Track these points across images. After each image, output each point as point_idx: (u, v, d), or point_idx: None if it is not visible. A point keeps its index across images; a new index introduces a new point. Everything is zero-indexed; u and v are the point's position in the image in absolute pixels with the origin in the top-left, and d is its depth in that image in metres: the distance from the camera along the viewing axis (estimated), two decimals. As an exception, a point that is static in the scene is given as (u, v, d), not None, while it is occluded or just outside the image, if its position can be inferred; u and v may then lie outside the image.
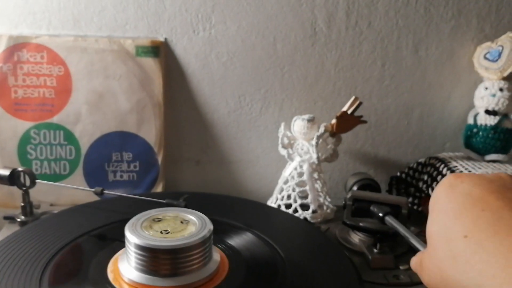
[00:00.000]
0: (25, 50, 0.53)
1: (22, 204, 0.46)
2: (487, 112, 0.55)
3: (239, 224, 0.43)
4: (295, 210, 0.51)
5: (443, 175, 0.52)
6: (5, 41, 0.53)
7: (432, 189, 0.53)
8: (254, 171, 0.62)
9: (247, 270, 0.35)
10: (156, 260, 0.31)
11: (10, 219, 0.46)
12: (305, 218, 0.51)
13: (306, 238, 0.44)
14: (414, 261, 0.28)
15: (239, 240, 0.40)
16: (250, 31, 0.57)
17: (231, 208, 0.48)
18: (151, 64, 0.55)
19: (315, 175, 0.52)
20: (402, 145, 0.63)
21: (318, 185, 0.52)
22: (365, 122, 0.53)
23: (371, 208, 0.41)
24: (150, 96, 0.56)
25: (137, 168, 0.57)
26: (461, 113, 0.61)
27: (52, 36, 0.54)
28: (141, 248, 0.31)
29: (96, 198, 0.47)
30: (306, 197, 0.52)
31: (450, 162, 0.54)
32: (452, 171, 0.52)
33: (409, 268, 0.33)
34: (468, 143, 0.58)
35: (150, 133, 0.56)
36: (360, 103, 0.51)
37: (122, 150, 0.56)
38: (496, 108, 0.55)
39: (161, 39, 0.56)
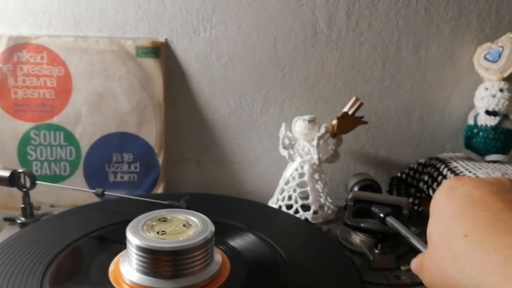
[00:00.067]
0: (25, 50, 0.53)
1: (22, 205, 0.46)
2: (487, 112, 0.55)
3: (240, 225, 0.43)
4: (296, 211, 0.51)
5: (444, 176, 0.52)
6: (5, 42, 0.53)
7: (433, 190, 0.53)
8: (255, 171, 0.62)
9: (249, 271, 0.35)
10: (157, 261, 0.31)
11: (10, 220, 0.46)
12: (306, 219, 0.51)
13: (307, 238, 0.44)
14: (415, 263, 0.28)
15: (241, 241, 0.40)
16: (250, 31, 0.57)
17: (232, 209, 0.48)
18: (151, 65, 0.55)
19: (316, 176, 0.52)
20: (402, 146, 0.63)
21: (319, 186, 0.52)
22: (366, 122, 0.53)
23: (372, 208, 0.42)
24: (150, 97, 0.56)
25: (138, 169, 0.57)
26: (461, 114, 0.62)
27: (52, 36, 0.54)
28: (143, 249, 0.30)
29: (96, 199, 0.47)
30: (307, 197, 0.52)
31: (450, 162, 0.54)
32: (453, 172, 0.52)
33: (410, 269, 0.33)
34: (469, 144, 0.58)
35: (151, 134, 0.56)
36: (361, 104, 0.51)
37: (123, 151, 0.56)
38: (496, 109, 0.55)
39: (162, 39, 0.56)
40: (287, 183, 0.53)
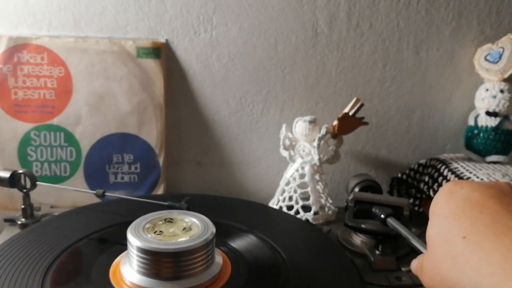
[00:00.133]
0: (25, 51, 0.53)
1: (23, 206, 0.46)
2: (488, 113, 0.55)
3: (241, 226, 0.43)
4: (297, 212, 0.51)
5: (444, 176, 0.52)
6: (5, 42, 0.53)
7: (433, 190, 0.53)
8: (256, 172, 0.62)
9: (250, 272, 0.35)
10: (158, 263, 0.31)
11: (11, 221, 0.46)
12: (307, 220, 0.51)
13: (308, 239, 0.44)
14: (415, 264, 0.28)
15: (241, 242, 0.40)
16: (251, 32, 0.57)
17: (232, 210, 0.48)
18: (152, 66, 0.55)
19: (317, 177, 0.52)
20: (403, 146, 0.63)
21: (319, 187, 0.52)
22: (366, 123, 0.53)
23: (373, 209, 0.42)
24: (151, 98, 0.56)
25: (138, 170, 0.57)
26: (461, 115, 0.62)
27: (52, 37, 0.54)
28: (144, 251, 0.30)
29: (96, 200, 0.47)
30: (307, 198, 0.52)
31: (451, 163, 0.54)
32: (453, 172, 0.52)
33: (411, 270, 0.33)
34: (469, 145, 0.58)
35: (151, 134, 0.56)
36: (362, 105, 0.51)
37: (123, 151, 0.56)
38: (497, 110, 0.55)
39: (162, 40, 0.56)
40: (287, 184, 0.53)
